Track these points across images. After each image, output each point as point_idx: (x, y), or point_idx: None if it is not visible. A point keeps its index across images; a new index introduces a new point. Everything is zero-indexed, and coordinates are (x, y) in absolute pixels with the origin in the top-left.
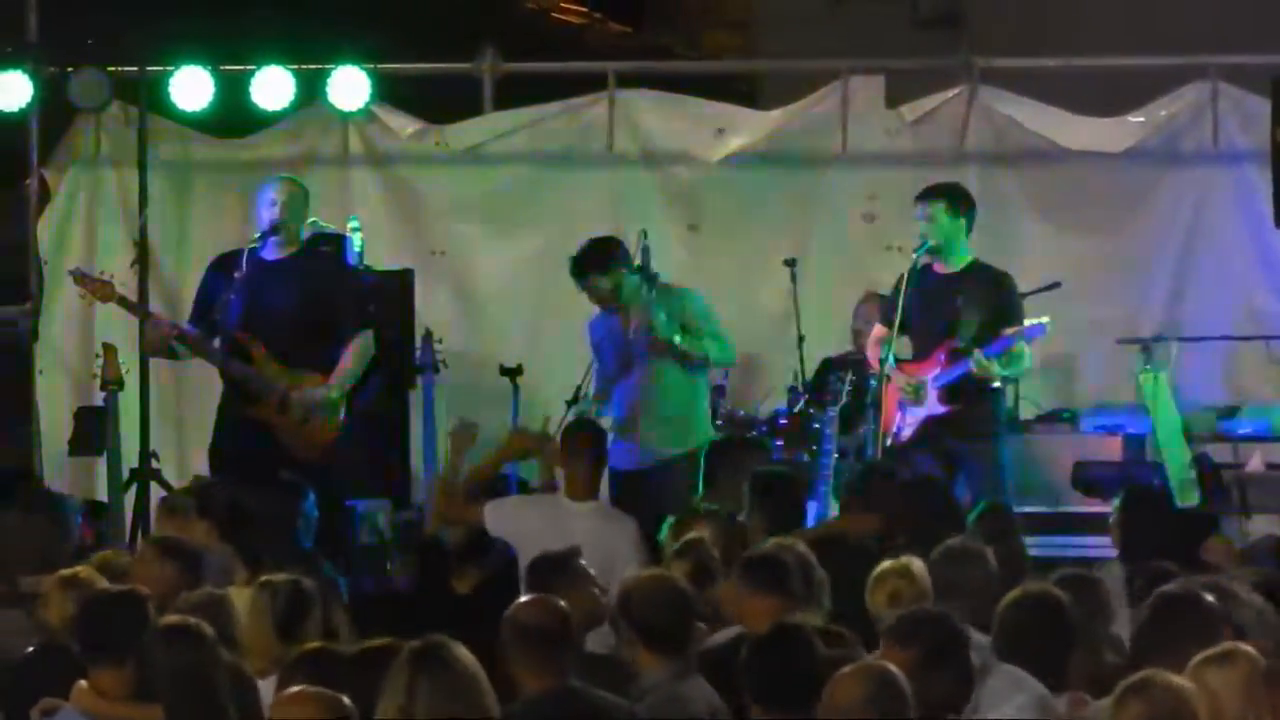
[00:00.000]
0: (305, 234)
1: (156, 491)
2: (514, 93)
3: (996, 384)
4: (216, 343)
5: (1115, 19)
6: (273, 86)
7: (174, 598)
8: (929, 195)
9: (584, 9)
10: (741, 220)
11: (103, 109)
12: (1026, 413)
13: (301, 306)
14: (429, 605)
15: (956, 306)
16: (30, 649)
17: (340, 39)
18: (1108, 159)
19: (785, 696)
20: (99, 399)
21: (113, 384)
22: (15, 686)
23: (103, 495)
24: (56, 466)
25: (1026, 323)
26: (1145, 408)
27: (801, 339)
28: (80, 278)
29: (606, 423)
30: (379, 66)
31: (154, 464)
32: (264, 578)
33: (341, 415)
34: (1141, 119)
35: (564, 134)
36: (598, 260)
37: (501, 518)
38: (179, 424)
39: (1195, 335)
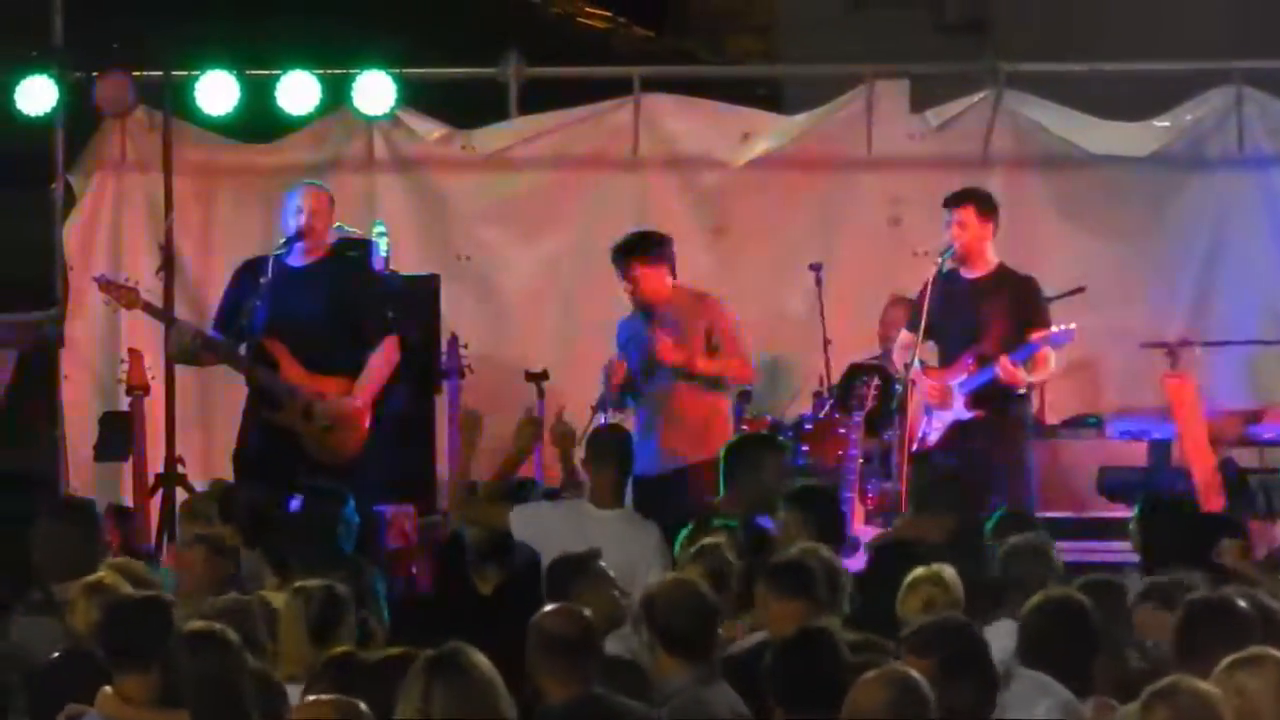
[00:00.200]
0: (331, 239)
1: (182, 496)
2: (539, 97)
3: (1023, 389)
4: (242, 348)
5: (1140, 23)
6: (298, 91)
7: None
8: (958, 199)
9: (608, 14)
10: (766, 224)
11: (128, 114)
12: (1052, 418)
13: (327, 312)
14: (450, 606)
15: (982, 312)
16: (55, 655)
17: (365, 43)
18: (1132, 163)
19: (810, 701)
20: (124, 404)
21: (138, 389)
22: (41, 692)
23: (128, 500)
24: (82, 472)
25: (1053, 328)
26: (1170, 412)
27: (827, 343)
28: (105, 284)
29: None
30: (404, 71)
31: (179, 469)
32: (298, 583)
33: (367, 422)
34: (1166, 123)
35: (589, 138)
36: (644, 248)
37: (527, 522)
38: (204, 429)
39: (1220, 339)
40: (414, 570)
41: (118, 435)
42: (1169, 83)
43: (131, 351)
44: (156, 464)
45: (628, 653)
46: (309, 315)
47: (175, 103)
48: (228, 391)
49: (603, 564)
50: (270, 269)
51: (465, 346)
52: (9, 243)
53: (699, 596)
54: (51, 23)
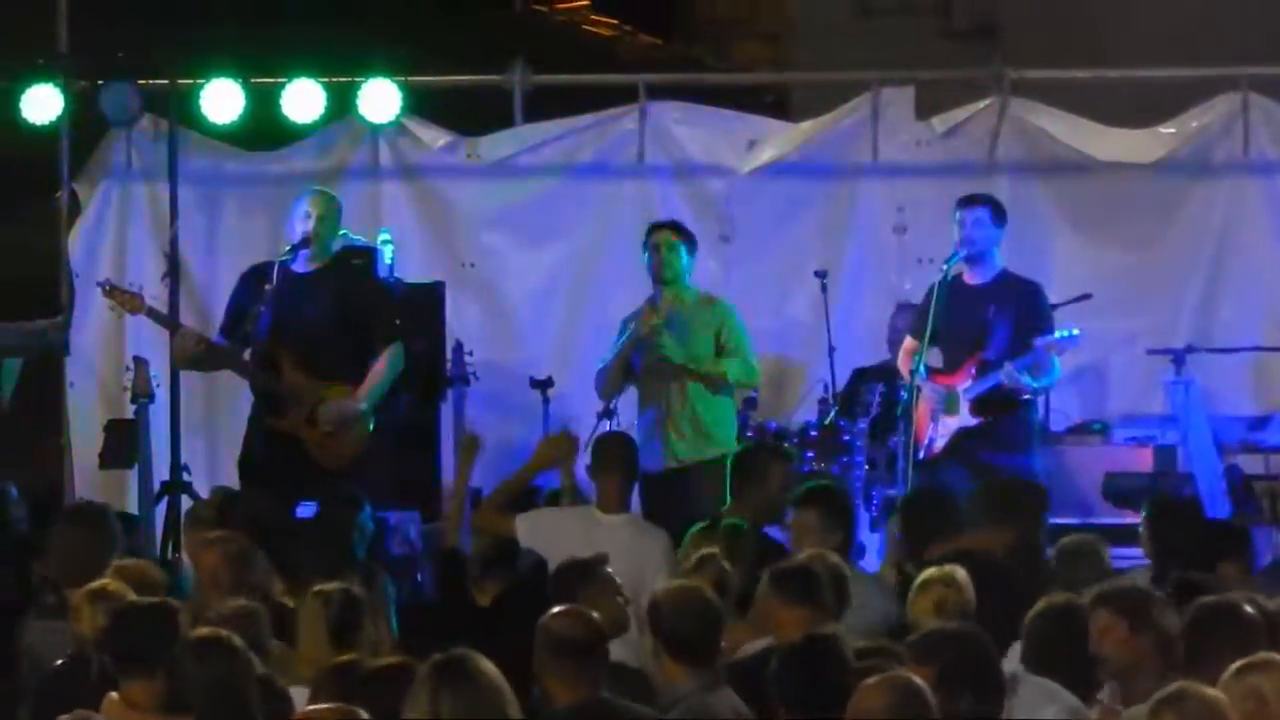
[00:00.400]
0: (336, 247)
1: (187, 504)
2: (544, 105)
3: (1028, 395)
4: (247, 355)
5: (1146, 31)
6: (303, 99)
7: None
8: (974, 200)
9: (614, 21)
10: (772, 232)
11: (133, 122)
12: (1057, 424)
13: (332, 319)
14: (447, 616)
15: (987, 317)
16: (59, 661)
17: (370, 51)
18: (1138, 170)
19: (815, 707)
20: (130, 412)
21: (143, 397)
22: (46, 698)
23: (134, 508)
24: (87, 479)
25: (1057, 334)
26: (1176, 419)
27: (832, 350)
28: (110, 290)
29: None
30: (410, 79)
31: (185, 476)
32: (317, 586)
33: (370, 427)
34: (1172, 130)
35: (595, 146)
36: (679, 227)
37: (534, 530)
38: (210, 436)
39: (1226, 346)
40: (419, 577)
41: (123, 443)
42: (1175, 89)
43: (136, 359)
44: (162, 471)
45: (633, 658)
46: (314, 321)
47: (180, 111)
48: (233, 398)
49: (609, 569)
50: (275, 275)
51: (470, 353)
52: (14, 250)
53: (704, 602)
54: (57, 31)
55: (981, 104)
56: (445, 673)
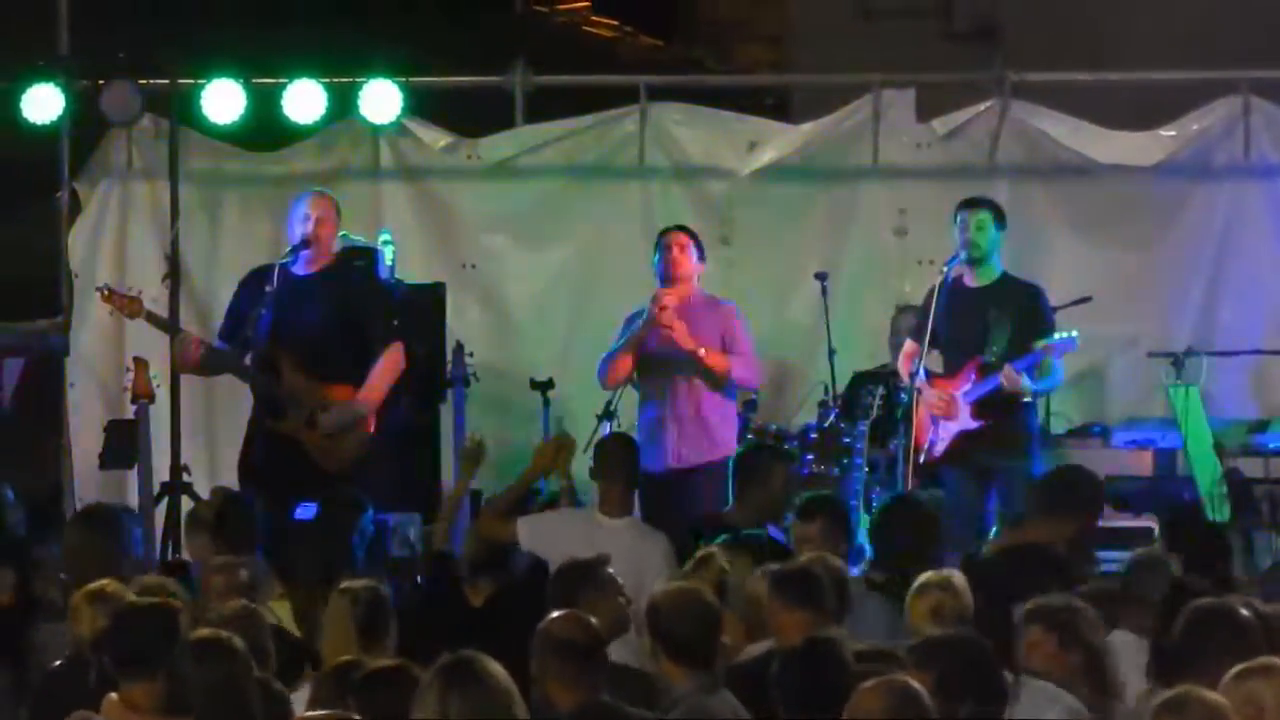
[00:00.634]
0: (337, 248)
1: (187, 505)
2: (545, 106)
3: (1028, 398)
4: (247, 359)
5: (1147, 33)
6: (304, 99)
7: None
8: (978, 203)
9: (615, 22)
10: (773, 234)
11: (134, 122)
12: (1058, 427)
13: (332, 320)
14: (440, 617)
15: (987, 320)
16: (58, 662)
17: (372, 52)
18: (1139, 173)
19: (816, 710)
20: (130, 412)
21: (143, 397)
22: (45, 700)
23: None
24: (88, 480)
25: (1056, 336)
26: (1176, 422)
27: (833, 352)
28: (108, 294)
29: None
30: (411, 80)
31: (185, 477)
32: (344, 584)
33: (371, 429)
34: (1173, 133)
35: (595, 147)
36: (690, 230)
37: (536, 534)
38: (210, 437)
39: (1226, 349)
40: (419, 579)
41: (123, 443)
42: (1175, 92)
43: (136, 360)
44: (162, 472)
45: (633, 660)
46: (314, 323)
47: (181, 111)
48: (233, 399)
49: (610, 570)
50: (276, 277)
51: (471, 355)
52: (15, 250)
53: (702, 604)
54: (58, 31)
55: (982, 106)
56: (454, 674)
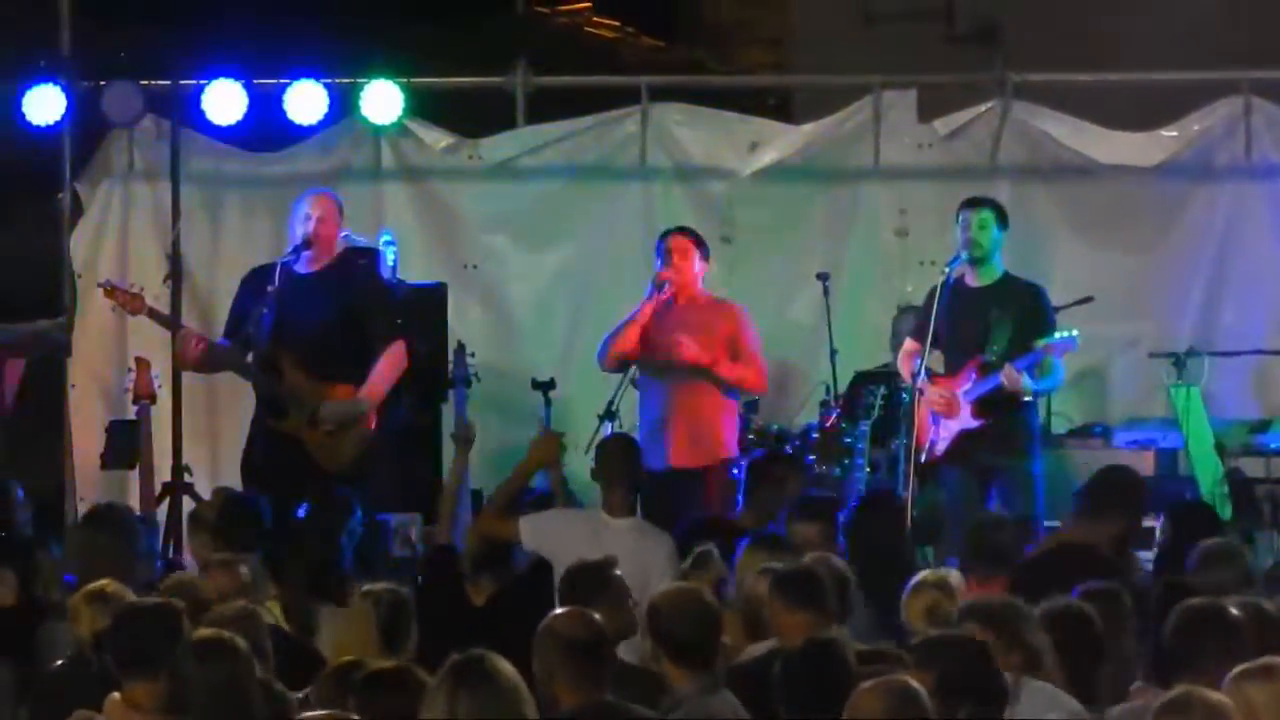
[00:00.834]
0: (338, 248)
1: (189, 505)
2: (547, 107)
3: (1029, 398)
4: (250, 357)
5: (1149, 34)
6: (306, 100)
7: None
8: (980, 203)
9: (617, 23)
10: (774, 234)
11: (135, 123)
12: (1059, 427)
13: (334, 320)
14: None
15: (988, 320)
16: (59, 662)
17: (373, 53)
18: (1140, 173)
19: (817, 711)
20: (131, 412)
21: (144, 398)
22: (47, 699)
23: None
24: (89, 480)
25: (1057, 335)
26: (1177, 422)
27: (834, 353)
28: (110, 290)
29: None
30: (412, 80)
31: (187, 477)
32: (366, 588)
33: (373, 428)
34: (1174, 133)
35: (597, 148)
36: (692, 232)
37: (538, 533)
38: (212, 437)
39: (1227, 349)
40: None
41: (125, 443)
42: (1177, 93)
43: (138, 360)
44: (164, 472)
45: (638, 659)
46: (316, 323)
47: (183, 112)
48: (235, 399)
49: (618, 573)
50: (278, 276)
51: (472, 355)
52: (17, 251)
53: (702, 605)
54: (59, 32)
55: (983, 107)
56: (463, 673)
